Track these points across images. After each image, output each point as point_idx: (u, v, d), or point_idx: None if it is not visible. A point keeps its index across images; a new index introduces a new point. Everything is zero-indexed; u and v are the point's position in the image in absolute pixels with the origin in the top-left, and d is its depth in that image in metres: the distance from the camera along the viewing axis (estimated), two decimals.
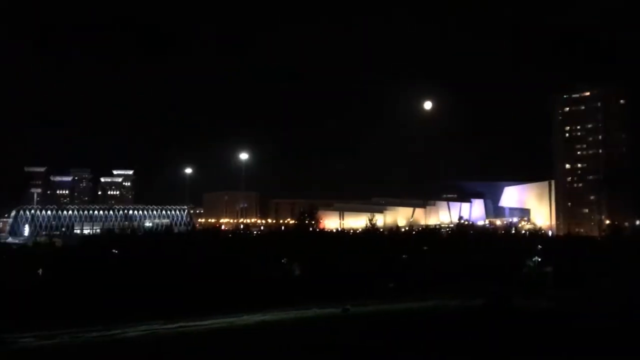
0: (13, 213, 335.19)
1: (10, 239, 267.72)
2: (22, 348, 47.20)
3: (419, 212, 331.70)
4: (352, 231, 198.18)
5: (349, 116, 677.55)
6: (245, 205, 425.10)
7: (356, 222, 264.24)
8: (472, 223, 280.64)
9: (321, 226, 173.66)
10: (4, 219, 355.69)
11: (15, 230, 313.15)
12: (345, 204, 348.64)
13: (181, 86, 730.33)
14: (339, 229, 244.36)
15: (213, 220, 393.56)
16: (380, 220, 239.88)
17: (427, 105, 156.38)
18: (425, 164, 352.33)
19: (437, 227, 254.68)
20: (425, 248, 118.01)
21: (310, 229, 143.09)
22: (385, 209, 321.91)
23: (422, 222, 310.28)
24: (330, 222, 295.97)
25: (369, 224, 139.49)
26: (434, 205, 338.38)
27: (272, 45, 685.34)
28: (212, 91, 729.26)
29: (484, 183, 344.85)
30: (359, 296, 73.36)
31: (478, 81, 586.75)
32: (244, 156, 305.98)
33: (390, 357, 29.85)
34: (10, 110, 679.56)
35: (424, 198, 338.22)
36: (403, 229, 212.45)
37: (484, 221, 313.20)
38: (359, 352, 30.40)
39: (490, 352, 31.01)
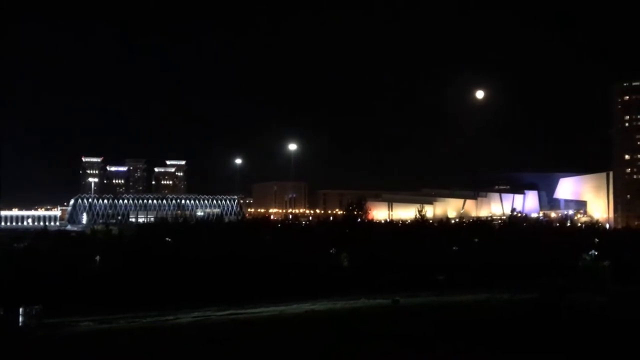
0: (72, 201, 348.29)
1: (69, 227, 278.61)
2: (82, 332, 49.10)
3: (469, 203, 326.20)
4: (401, 222, 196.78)
5: (399, 107, 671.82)
6: (294, 195, 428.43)
7: (405, 213, 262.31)
8: (526, 215, 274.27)
9: (370, 217, 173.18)
10: (64, 207, 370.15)
11: (74, 218, 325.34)
12: (394, 194, 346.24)
13: (232, 78, 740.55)
14: (388, 220, 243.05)
15: (262, 210, 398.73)
16: (429, 211, 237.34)
17: (479, 94, 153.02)
18: (476, 154, 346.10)
19: (489, 219, 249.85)
20: (476, 240, 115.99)
21: (359, 219, 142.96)
22: (435, 200, 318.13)
23: (473, 213, 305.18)
24: (379, 213, 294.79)
25: (418, 215, 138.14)
26: (486, 196, 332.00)
27: (323, 36, 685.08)
28: (263, 83, 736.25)
29: (538, 174, 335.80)
30: (408, 288, 72.81)
31: (534, 71, 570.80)
32: (293, 147, 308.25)
33: (441, 350, 29.47)
34: (69, 101, 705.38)
35: (475, 189, 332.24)
36: (453, 221, 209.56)
37: (538, 213, 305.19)
38: (409, 343, 30.13)
39: (544, 349, 30.17)
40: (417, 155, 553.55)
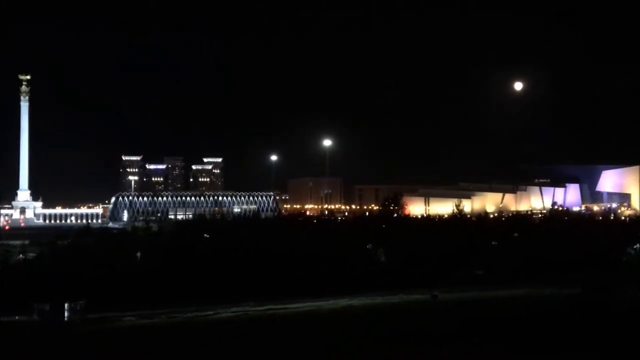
0: (113, 199, 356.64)
1: (110, 224, 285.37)
2: (125, 326, 50.22)
3: (509, 197, 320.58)
4: (438, 217, 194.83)
5: (435, 99, 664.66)
6: (329, 191, 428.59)
7: (442, 208, 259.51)
8: (567, 209, 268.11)
9: (406, 212, 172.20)
10: (105, 205, 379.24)
11: (115, 216, 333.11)
12: (431, 189, 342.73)
13: (267, 75, 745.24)
14: (425, 215, 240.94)
15: (298, 206, 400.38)
16: (467, 206, 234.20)
17: (518, 86, 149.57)
18: (516, 147, 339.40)
19: (529, 213, 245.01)
20: (515, 235, 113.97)
21: (395, 214, 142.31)
22: (473, 195, 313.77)
23: (513, 207, 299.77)
24: (415, 207, 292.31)
25: (455, 210, 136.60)
26: (525, 190, 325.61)
27: (353, 32, 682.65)
28: (296, 79, 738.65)
29: (579, 167, 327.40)
30: (446, 283, 72.10)
31: (574, 63, 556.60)
32: (327, 143, 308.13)
33: (482, 347, 29.00)
34: (110, 100, 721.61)
35: (515, 183, 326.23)
36: (492, 215, 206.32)
37: (580, 207, 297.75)
38: (449, 340, 29.74)
39: (586, 347, 29.34)
40: (453, 149, 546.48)
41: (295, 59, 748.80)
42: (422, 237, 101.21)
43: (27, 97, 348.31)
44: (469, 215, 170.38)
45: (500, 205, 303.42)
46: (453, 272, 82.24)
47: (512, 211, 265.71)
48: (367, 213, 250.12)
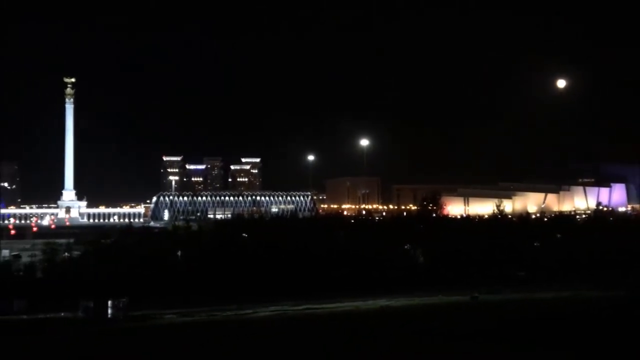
0: (154, 199, 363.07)
1: (152, 223, 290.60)
2: (166, 324, 51.06)
3: (551, 197, 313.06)
4: (477, 217, 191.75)
5: (474, 99, 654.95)
6: (367, 191, 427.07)
7: (482, 208, 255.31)
8: (612, 209, 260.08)
9: (445, 212, 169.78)
10: (147, 205, 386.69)
11: (156, 215, 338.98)
12: (470, 189, 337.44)
13: (302, 74, 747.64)
14: (464, 215, 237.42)
15: (335, 206, 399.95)
16: (508, 206, 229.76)
17: (561, 83, 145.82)
18: (558, 146, 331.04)
19: (572, 213, 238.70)
20: (558, 236, 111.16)
21: (434, 214, 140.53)
22: (514, 195, 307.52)
23: (555, 208, 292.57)
24: (455, 208, 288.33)
25: (496, 210, 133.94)
26: (569, 190, 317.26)
27: (394, 29, 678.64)
28: (333, 78, 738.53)
29: (626, 167, 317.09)
30: (486, 284, 70.88)
31: (618, 57, 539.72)
32: (365, 142, 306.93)
33: (526, 350, 28.25)
34: (150, 102, 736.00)
35: (557, 182, 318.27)
36: (534, 216, 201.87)
37: (626, 207, 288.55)
38: (492, 342, 29.06)
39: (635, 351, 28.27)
40: (493, 148, 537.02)
41: (333, 58, 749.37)
42: (462, 238, 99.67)
43: (71, 99, 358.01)
44: (509, 216, 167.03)
45: (543, 206, 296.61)
46: (494, 274, 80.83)
47: (555, 211, 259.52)
48: (405, 213, 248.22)
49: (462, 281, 73.74)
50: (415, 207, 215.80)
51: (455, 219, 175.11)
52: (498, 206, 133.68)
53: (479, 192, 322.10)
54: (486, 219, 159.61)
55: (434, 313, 45.51)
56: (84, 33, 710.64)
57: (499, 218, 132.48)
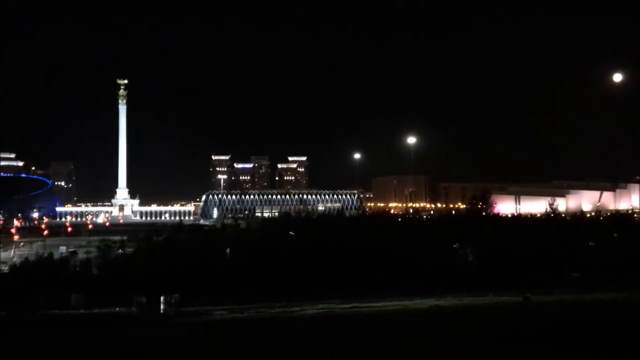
0: (204, 197, 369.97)
1: (202, 221, 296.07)
2: (216, 320, 51.93)
3: (607, 195, 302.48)
4: (529, 216, 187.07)
5: (524, 94, 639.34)
6: (414, 189, 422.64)
7: (534, 206, 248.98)
8: None
9: (495, 211, 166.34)
10: (197, 203, 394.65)
11: (205, 213, 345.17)
12: (522, 187, 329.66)
13: (352, 73, 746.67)
14: (515, 214, 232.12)
15: (382, 205, 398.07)
16: (561, 204, 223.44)
17: (617, 77, 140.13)
18: (614, 142, 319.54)
19: (629, 212, 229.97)
20: (615, 235, 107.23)
21: (483, 213, 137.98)
22: (567, 193, 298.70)
23: (611, 206, 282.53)
24: (505, 206, 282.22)
25: (549, 209, 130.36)
26: (625, 188, 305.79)
27: (438, 26, 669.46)
28: (381, 77, 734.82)
29: None
30: (539, 285, 69.04)
31: None
32: (412, 140, 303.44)
33: (582, 354, 27.30)
34: (199, 102, 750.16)
35: (614, 180, 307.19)
36: (588, 214, 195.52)
37: None
38: (545, 345, 28.24)
39: None
40: (546, 145, 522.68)
41: (381, 56, 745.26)
42: (513, 237, 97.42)
43: (124, 101, 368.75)
44: (563, 215, 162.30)
45: (598, 204, 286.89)
46: (547, 274, 78.66)
47: (611, 210, 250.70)
48: (453, 212, 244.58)
49: (513, 281, 72.07)
50: (464, 206, 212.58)
51: (506, 217, 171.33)
52: (551, 205, 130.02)
53: (531, 191, 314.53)
54: (538, 217, 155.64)
55: (486, 313, 44.56)
56: (135, 34, 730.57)
57: (552, 217, 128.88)
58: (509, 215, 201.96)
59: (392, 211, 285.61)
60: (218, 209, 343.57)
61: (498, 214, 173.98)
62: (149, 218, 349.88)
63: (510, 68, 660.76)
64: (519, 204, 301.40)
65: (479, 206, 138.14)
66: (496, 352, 27.39)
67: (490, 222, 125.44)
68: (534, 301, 53.57)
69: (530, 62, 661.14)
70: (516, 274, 76.37)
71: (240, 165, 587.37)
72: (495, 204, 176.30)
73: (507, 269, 79.47)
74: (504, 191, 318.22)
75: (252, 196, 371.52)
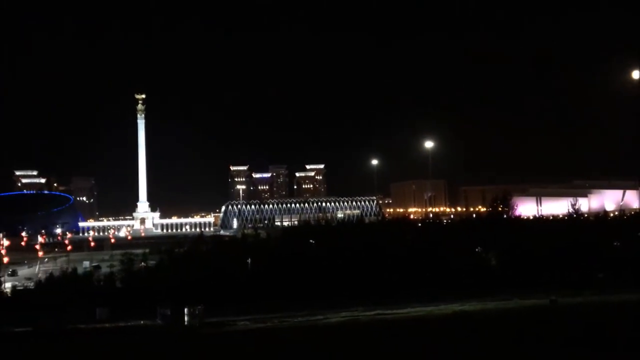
0: (223, 208, 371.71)
1: (222, 232, 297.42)
2: (240, 330, 51.98)
3: (630, 194, 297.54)
4: (552, 217, 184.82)
5: (543, 96, 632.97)
6: (432, 194, 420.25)
7: (556, 207, 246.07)
8: None
9: (516, 213, 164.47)
10: (216, 214, 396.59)
11: (225, 224, 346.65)
12: (542, 188, 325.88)
13: (367, 79, 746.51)
14: (537, 216, 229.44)
15: (401, 210, 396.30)
16: (584, 204, 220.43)
17: (636, 74, 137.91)
18: (637, 140, 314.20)
19: None
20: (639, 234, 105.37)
21: (505, 216, 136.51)
22: (590, 193, 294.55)
23: (635, 205, 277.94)
24: (526, 208, 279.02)
25: (571, 209, 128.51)
26: None
27: (457, 34, 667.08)
28: (396, 82, 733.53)
29: None
30: (563, 286, 68.04)
31: None
32: (429, 145, 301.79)
33: (614, 355, 26.80)
34: (214, 115, 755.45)
35: (638, 179, 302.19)
36: (612, 214, 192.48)
37: None
38: (578, 347, 27.75)
39: None
40: (565, 145, 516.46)
41: (395, 61, 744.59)
42: (536, 239, 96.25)
43: (143, 115, 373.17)
44: (586, 215, 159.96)
45: (621, 203, 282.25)
46: (571, 276, 77.54)
47: (635, 209, 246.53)
48: (474, 215, 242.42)
49: (537, 284, 71.15)
50: (485, 209, 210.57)
51: (527, 219, 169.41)
52: (573, 205, 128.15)
53: (552, 191, 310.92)
54: (561, 218, 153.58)
55: (512, 317, 44.00)
56: (149, 49, 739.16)
57: (574, 217, 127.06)
58: (531, 217, 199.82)
59: (411, 216, 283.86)
60: (238, 219, 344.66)
61: (519, 216, 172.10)
62: (169, 230, 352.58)
63: (529, 66, 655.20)
64: (541, 205, 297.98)
65: (500, 209, 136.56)
66: (529, 356, 27.01)
67: (512, 224, 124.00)
68: (560, 304, 52.77)
69: (551, 58, 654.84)
70: (540, 276, 75.42)
71: (258, 175, 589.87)
72: (516, 206, 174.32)
73: (531, 271, 78.51)
74: (525, 193, 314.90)
75: (271, 205, 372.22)
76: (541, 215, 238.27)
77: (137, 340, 46.99)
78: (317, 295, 70.22)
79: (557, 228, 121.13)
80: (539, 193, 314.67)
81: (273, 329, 50.96)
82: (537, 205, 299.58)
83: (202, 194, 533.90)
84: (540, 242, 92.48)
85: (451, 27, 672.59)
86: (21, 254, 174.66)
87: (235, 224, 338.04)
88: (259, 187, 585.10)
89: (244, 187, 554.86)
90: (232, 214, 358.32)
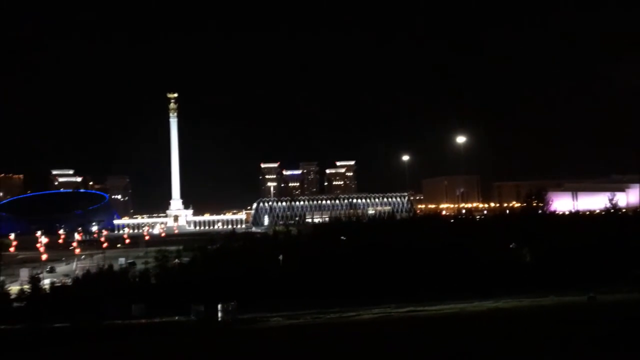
0: (254, 205, 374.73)
1: (253, 229, 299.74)
2: (273, 326, 52.24)
3: None
4: (588, 213, 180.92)
5: (577, 88, 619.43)
6: (465, 190, 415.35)
7: (593, 202, 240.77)
8: None
9: (551, 208, 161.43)
10: (248, 211, 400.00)
11: (257, 221, 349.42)
12: (578, 183, 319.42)
13: (396, 74, 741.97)
14: (572, 211, 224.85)
15: (433, 206, 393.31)
16: (622, 199, 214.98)
17: None
18: None
19: None
20: None
21: (539, 211, 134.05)
22: (627, 187, 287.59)
23: None
24: (562, 203, 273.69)
25: (608, 204, 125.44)
26: None
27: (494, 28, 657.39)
28: (428, 77, 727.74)
29: None
30: (600, 284, 66.39)
31: None
32: (461, 140, 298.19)
33: None
34: (246, 111, 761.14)
35: None
36: None
37: None
38: (615, 347, 27.04)
39: None
40: (600, 140, 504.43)
41: (424, 57, 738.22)
42: (572, 235, 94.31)
43: (175, 114, 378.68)
44: (624, 210, 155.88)
45: None
46: (609, 272, 75.62)
47: None
48: (507, 211, 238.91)
49: (574, 281, 69.62)
50: (519, 204, 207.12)
51: (563, 215, 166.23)
52: (611, 200, 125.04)
53: (588, 186, 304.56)
54: (597, 214, 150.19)
55: (550, 315, 43.09)
56: (181, 49, 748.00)
57: (612, 212, 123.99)
58: (567, 213, 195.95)
59: (443, 212, 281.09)
60: (269, 216, 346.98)
61: (554, 211, 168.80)
62: (202, 227, 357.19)
63: (563, 61, 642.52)
64: (577, 200, 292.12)
65: (535, 204, 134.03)
66: (568, 355, 26.40)
67: (547, 220, 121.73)
68: (599, 301, 51.51)
69: (580, 53, 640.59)
70: (576, 273, 73.81)
71: (289, 172, 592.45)
72: (552, 201, 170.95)
73: (567, 268, 76.93)
74: (560, 188, 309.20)
75: (302, 202, 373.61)
76: (577, 210, 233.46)
77: (173, 336, 47.65)
78: (349, 292, 70.12)
79: (594, 223, 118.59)
80: (575, 188, 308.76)
81: (305, 326, 51.04)
82: (573, 200, 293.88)
83: (233, 192, 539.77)
84: (576, 237, 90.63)
85: (482, 24, 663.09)
86: (59, 251, 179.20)
87: (266, 221, 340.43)
88: (290, 184, 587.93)
89: (274, 184, 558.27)
90: (264, 211, 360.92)
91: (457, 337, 34.02)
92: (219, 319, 60.47)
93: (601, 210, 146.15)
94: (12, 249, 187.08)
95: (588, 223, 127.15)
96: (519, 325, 37.98)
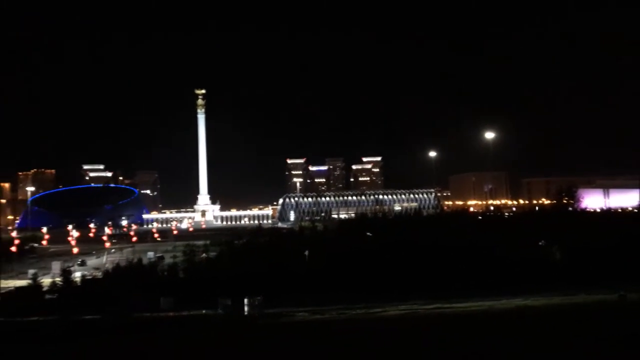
0: (280, 201, 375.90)
1: (279, 224, 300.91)
2: (299, 321, 52.43)
3: None
4: (620, 210, 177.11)
5: (609, 83, 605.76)
6: (492, 186, 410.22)
7: (625, 199, 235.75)
8: None
9: (582, 205, 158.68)
10: (274, 206, 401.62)
11: (283, 216, 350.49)
12: (610, 180, 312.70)
13: (423, 72, 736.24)
14: (604, 208, 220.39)
15: (460, 203, 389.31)
16: None
17: None
18: None
19: None
20: None
21: (570, 208, 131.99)
22: None
23: None
24: (593, 200, 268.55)
25: None
26: None
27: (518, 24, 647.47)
28: (457, 74, 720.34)
29: None
30: (631, 282, 64.96)
31: None
32: (490, 135, 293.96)
33: None
34: (272, 108, 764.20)
35: None
36: None
37: None
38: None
39: None
40: (633, 134, 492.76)
41: (453, 53, 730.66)
42: (602, 232, 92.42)
43: (203, 110, 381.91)
44: None
45: None
46: (639, 270, 73.93)
47: None
48: (537, 208, 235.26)
49: (604, 279, 68.30)
50: (549, 201, 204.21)
51: (594, 212, 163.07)
52: None
53: (620, 183, 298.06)
54: (630, 211, 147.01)
55: (582, 313, 42.31)
56: (210, 47, 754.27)
57: None
58: (598, 210, 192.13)
59: (471, 209, 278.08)
60: (295, 212, 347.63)
61: (585, 208, 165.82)
62: (229, 222, 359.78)
63: (588, 57, 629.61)
64: (608, 197, 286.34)
65: (565, 201, 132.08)
66: (601, 355, 25.90)
67: (578, 217, 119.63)
68: (629, 299, 50.42)
69: (606, 49, 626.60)
70: (606, 270, 72.39)
71: (315, 168, 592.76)
72: (582, 198, 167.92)
73: (597, 265, 75.50)
74: (592, 184, 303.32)
75: (328, 198, 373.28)
76: (609, 207, 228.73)
77: (201, 329, 48.19)
78: (375, 289, 69.90)
79: (625, 220, 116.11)
80: (607, 185, 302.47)
81: (331, 321, 51.09)
82: (605, 197, 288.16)
83: (260, 187, 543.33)
84: (607, 235, 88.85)
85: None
86: (90, 245, 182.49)
87: (292, 216, 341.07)
88: (316, 180, 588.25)
89: (301, 180, 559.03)
90: (290, 206, 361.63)
91: (484, 335, 33.65)
92: (246, 313, 60.89)
93: (634, 207, 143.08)
94: (44, 243, 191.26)
95: (619, 220, 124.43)
96: (548, 322, 37.36)
